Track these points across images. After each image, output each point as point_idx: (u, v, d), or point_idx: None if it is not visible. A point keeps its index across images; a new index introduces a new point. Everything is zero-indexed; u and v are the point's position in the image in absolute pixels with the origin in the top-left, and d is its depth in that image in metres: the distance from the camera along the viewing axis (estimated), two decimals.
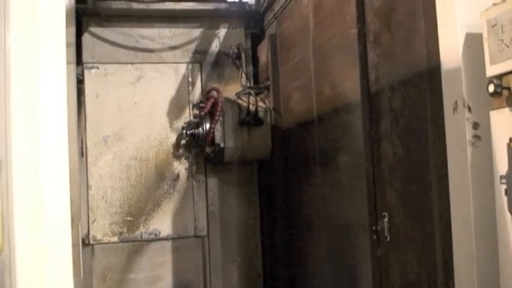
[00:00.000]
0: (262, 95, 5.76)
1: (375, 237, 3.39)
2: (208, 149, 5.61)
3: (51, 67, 2.33)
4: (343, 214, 4.02)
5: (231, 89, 5.88)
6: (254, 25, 6.12)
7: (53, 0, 2.41)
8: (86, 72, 5.76)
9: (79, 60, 5.72)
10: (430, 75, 2.80)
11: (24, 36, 2.25)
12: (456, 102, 2.50)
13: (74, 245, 2.47)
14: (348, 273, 3.95)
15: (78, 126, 5.65)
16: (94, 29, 5.80)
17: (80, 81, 5.73)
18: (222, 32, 6.08)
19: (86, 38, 5.79)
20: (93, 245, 5.67)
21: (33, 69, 2.26)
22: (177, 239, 5.83)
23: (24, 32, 2.25)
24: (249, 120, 5.51)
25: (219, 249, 5.90)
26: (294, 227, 5.17)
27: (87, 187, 5.67)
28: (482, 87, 2.33)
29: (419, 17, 2.92)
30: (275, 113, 5.58)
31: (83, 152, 5.70)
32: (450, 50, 2.54)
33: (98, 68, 5.79)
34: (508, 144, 2.20)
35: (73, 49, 3.17)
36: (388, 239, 3.27)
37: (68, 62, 2.58)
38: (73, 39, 3.18)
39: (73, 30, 3.23)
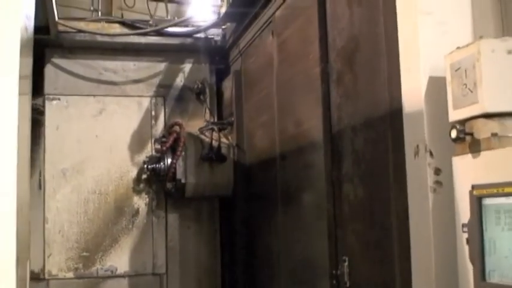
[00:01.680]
0: (225, 131, 5.70)
1: (334, 282, 3.32)
2: (169, 185, 5.52)
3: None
4: (304, 256, 3.95)
5: (195, 124, 5.80)
6: (219, 61, 6.10)
7: (6, 32, 2.34)
8: (47, 103, 5.66)
9: (40, 92, 5.62)
10: (392, 117, 2.77)
11: None
12: (418, 146, 2.47)
13: (21, 281, 2.36)
14: None
15: (37, 158, 5.53)
16: (57, 61, 5.72)
17: (41, 113, 5.61)
18: (187, 66, 6.04)
19: (49, 69, 5.69)
20: (48, 280, 5.50)
21: None
22: (134, 277, 5.69)
23: None
24: (212, 156, 5.44)
25: (177, 287, 5.76)
26: (256, 267, 5.08)
27: (44, 220, 5.50)
28: (445, 132, 2.29)
29: (382, 58, 2.90)
30: (238, 149, 5.52)
31: (40, 185, 5.55)
32: (412, 93, 2.52)
33: (59, 99, 5.69)
34: (470, 192, 2.15)
35: (28, 80, 3.08)
36: (348, 285, 3.20)
37: (22, 93, 2.49)
38: (29, 70, 3.09)
39: (30, 60, 3.14)
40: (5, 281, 2.13)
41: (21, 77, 2.40)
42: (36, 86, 5.51)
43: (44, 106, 5.63)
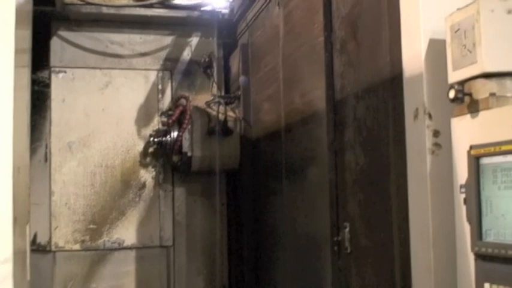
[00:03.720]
0: (232, 105, 5.69)
1: (336, 248, 3.33)
2: (175, 158, 5.52)
3: None
4: (308, 225, 3.96)
5: (202, 98, 5.78)
6: (227, 34, 6.07)
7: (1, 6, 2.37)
8: (53, 76, 5.65)
9: (46, 65, 5.63)
10: (393, 83, 2.75)
11: None
12: (417, 109, 2.45)
13: (20, 245, 2.38)
14: (312, 286, 3.88)
15: (43, 131, 5.55)
16: (63, 33, 5.70)
17: (47, 86, 5.62)
18: (194, 40, 6.01)
19: (55, 42, 5.68)
20: (54, 252, 5.53)
21: None
22: (141, 249, 5.71)
23: None
24: (218, 130, 5.43)
25: (184, 260, 5.79)
26: (261, 239, 5.09)
27: (50, 193, 5.53)
28: (445, 95, 2.26)
29: (384, 24, 2.87)
30: (245, 123, 5.51)
31: (46, 157, 5.57)
32: (413, 56, 2.49)
33: (65, 72, 5.69)
34: (468, 152, 2.14)
35: (27, 53, 3.11)
36: (349, 250, 3.20)
37: (20, 66, 2.53)
38: (27, 43, 3.12)
39: (28, 33, 3.17)
40: (2, 239, 2.14)
41: (18, 50, 2.42)
42: (42, 58, 5.54)
43: (50, 79, 5.63)
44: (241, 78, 5.51)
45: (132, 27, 5.83)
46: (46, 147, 5.57)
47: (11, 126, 2.26)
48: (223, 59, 6.11)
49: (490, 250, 2.03)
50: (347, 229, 3.21)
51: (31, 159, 4.68)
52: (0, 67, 2.35)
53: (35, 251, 5.25)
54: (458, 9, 2.27)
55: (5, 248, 2.17)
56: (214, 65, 5.97)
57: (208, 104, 5.66)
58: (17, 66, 2.41)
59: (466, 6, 2.22)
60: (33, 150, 5.28)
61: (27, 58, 3.12)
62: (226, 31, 6.05)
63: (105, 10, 5.55)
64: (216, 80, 5.95)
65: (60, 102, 5.62)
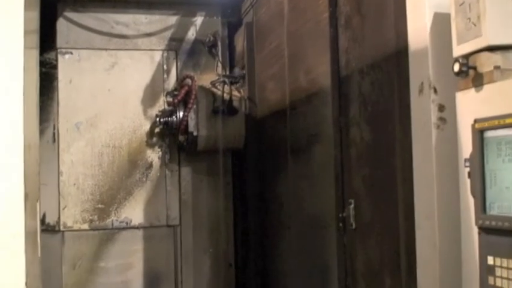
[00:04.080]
0: (237, 84, 5.70)
1: (341, 224, 3.35)
2: (181, 138, 5.55)
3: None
4: (313, 203, 3.99)
5: (207, 78, 5.79)
6: (231, 13, 6.06)
7: None
8: (59, 57, 5.67)
9: (53, 46, 5.64)
10: (398, 57, 2.76)
11: None
12: (422, 83, 2.46)
13: (30, 222, 2.41)
14: (317, 263, 3.92)
15: (51, 112, 5.59)
16: (69, 14, 5.70)
17: (54, 67, 5.65)
18: (199, 19, 6.01)
19: (61, 23, 5.69)
20: (63, 231, 5.58)
21: None
22: (148, 228, 5.76)
23: None
24: (223, 109, 5.45)
25: (190, 239, 5.83)
26: (267, 218, 5.13)
27: (58, 173, 5.57)
28: (450, 69, 2.27)
29: None
30: (250, 102, 5.53)
31: (54, 138, 5.61)
32: (418, 31, 2.50)
33: (71, 53, 5.70)
34: (472, 126, 2.15)
35: (35, 35, 3.14)
36: (354, 227, 3.23)
37: (29, 47, 2.55)
38: (35, 25, 3.15)
39: (36, 14, 3.19)
40: (13, 214, 2.18)
41: (26, 32, 2.45)
42: (48, 40, 5.55)
43: (56, 60, 5.65)
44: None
45: (137, 7, 5.83)
46: (54, 128, 5.60)
47: (21, 106, 2.30)
48: (228, 38, 6.10)
49: (493, 223, 2.04)
50: (352, 205, 3.23)
51: (40, 140, 4.71)
52: (9, 49, 2.38)
53: (44, 231, 5.28)
54: None
55: (16, 223, 2.21)
56: (219, 44, 5.96)
57: (213, 83, 5.67)
58: (25, 47, 2.44)
59: None
60: (41, 131, 5.31)
61: (35, 39, 3.16)
62: (231, 10, 6.04)
63: None
64: (220, 59, 5.95)
65: (67, 84, 5.64)
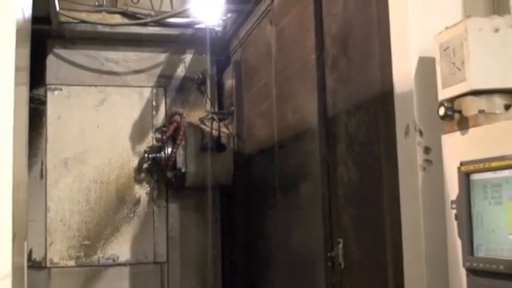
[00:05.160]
0: (226, 121, 5.73)
1: (329, 264, 3.36)
2: (169, 174, 5.56)
3: None
4: (301, 241, 3.99)
5: (196, 115, 5.84)
6: (220, 51, 6.12)
7: (2, 24, 2.41)
8: (48, 93, 5.70)
9: (42, 82, 5.67)
10: (384, 99, 2.80)
11: None
12: (408, 126, 2.49)
13: (17, 259, 2.41)
14: None
15: (39, 148, 5.59)
16: (59, 51, 5.76)
17: (43, 103, 5.67)
18: (188, 57, 6.07)
19: (50, 59, 5.73)
20: (50, 268, 5.54)
21: None
22: (135, 265, 5.73)
23: None
24: (212, 146, 5.47)
25: (178, 276, 5.80)
26: (255, 255, 5.11)
27: (46, 209, 5.55)
28: (435, 112, 2.31)
29: (374, 41, 2.93)
30: (238, 139, 5.56)
31: (42, 174, 5.60)
32: (403, 74, 2.55)
33: (61, 89, 5.73)
34: (458, 169, 2.18)
35: (26, 71, 3.15)
36: (343, 266, 3.24)
37: (19, 84, 2.57)
38: (26, 61, 3.17)
39: (27, 51, 3.21)
40: (1, 254, 2.18)
41: (17, 68, 2.47)
42: (38, 76, 5.57)
43: (45, 96, 5.68)
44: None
45: (126, 45, 5.89)
46: (42, 164, 5.60)
47: (11, 144, 2.30)
48: (217, 75, 6.17)
49: (481, 265, 2.06)
50: (340, 245, 3.24)
51: (27, 176, 4.70)
52: (0, 85, 2.38)
53: (30, 267, 5.23)
54: (446, 27, 2.32)
55: (4, 264, 2.20)
56: (208, 81, 6.01)
57: (201, 120, 5.71)
58: (16, 84, 2.45)
59: (455, 25, 2.28)
60: (29, 167, 5.26)
61: (25, 76, 3.17)
62: (219, 48, 6.11)
63: (100, 28, 5.61)
64: (209, 96, 6.00)
65: (55, 119, 5.66)
